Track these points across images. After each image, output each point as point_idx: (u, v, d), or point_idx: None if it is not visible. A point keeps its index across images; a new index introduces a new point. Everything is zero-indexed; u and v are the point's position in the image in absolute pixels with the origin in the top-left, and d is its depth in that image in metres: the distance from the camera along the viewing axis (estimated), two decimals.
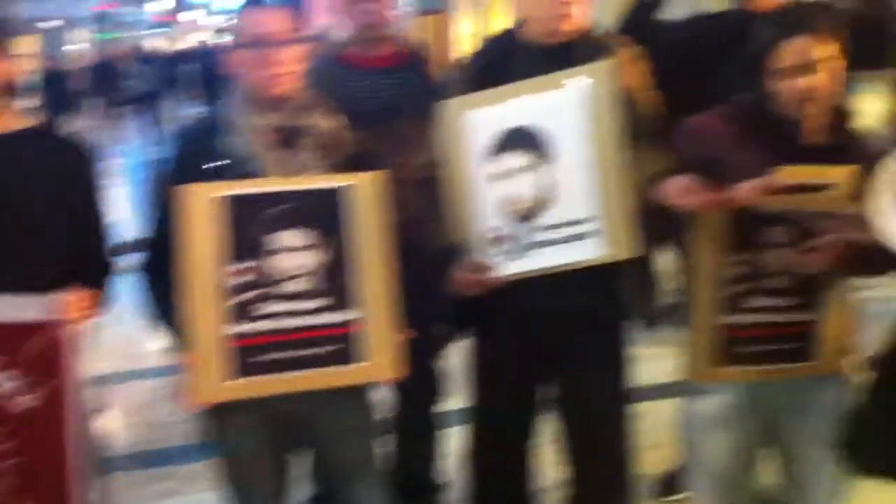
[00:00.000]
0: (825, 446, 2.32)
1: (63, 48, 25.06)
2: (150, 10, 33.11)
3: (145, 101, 16.92)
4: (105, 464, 2.55)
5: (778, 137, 2.26)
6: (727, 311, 2.31)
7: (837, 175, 2.17)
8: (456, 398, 3.17)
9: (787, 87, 2.24)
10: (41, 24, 23.28)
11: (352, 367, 2.26)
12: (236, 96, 2.32)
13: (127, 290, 2.46)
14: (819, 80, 2.21)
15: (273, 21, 2.27)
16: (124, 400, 4.53)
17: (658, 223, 2.37)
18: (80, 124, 14.77)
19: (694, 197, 2.19)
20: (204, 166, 2.24)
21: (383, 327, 2.26)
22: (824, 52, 2.21)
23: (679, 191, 2.22)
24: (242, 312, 2.18)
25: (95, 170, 2.49)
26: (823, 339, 2.32)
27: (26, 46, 16.34)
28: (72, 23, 28.24)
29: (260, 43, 2.26)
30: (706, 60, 2.97)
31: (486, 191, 2.51)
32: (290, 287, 2.21)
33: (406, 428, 3.18)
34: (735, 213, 2.23)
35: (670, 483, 3.32)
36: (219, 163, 2.24)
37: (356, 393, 2.37)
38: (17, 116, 2.47)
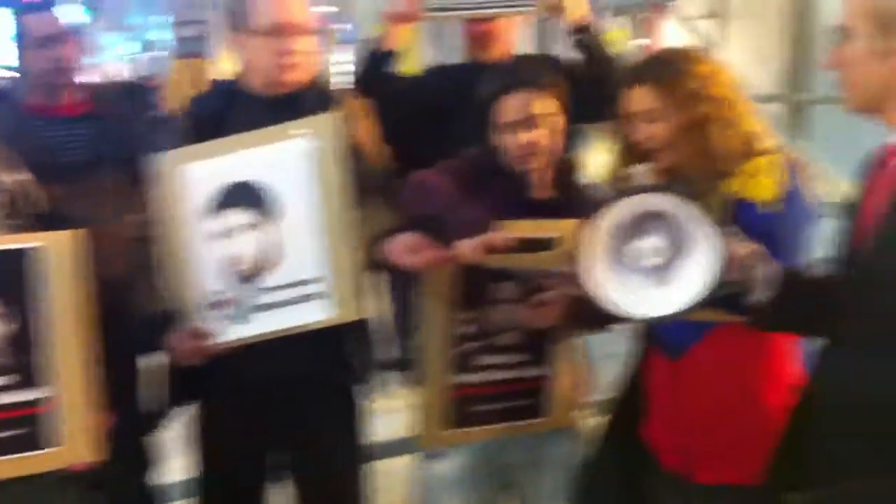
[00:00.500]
0: (562, 501, 2.30)
1: None
2: None
3: None
4: None
5: (505, 192, 2.24)
6: (457, 370, 2.25)
7: (562, 229, 2.17)
8: (178, 469, 2.95)
9: (510, 142, 2.23)
10: None
11: (43, 452, 2.01)
12: None
13: None
14: (540, 134, 2.21)
15: None
16: None
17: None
18: None
19: (418, 255, 2.11)
20: None
21: (79, 406, 2.03)
22: (544, 106, 2.22)
23: (403, 249, 2.14)
24: None
25: None
26: (554, 393, 2.30)
27: None
28: None
29: None
30: (438, 113, 2.95)
31: (206, 250, 2.35)
32: None
33: None
34: (462, 270, 2.18)
35: None
36: None
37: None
38: None
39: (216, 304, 2.33)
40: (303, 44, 2.40)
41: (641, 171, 2.08)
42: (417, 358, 2.27)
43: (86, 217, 2.17)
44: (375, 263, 2.22)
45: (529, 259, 2.12)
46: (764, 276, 1.76)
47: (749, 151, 2.09)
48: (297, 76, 2.42)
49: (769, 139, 2.15)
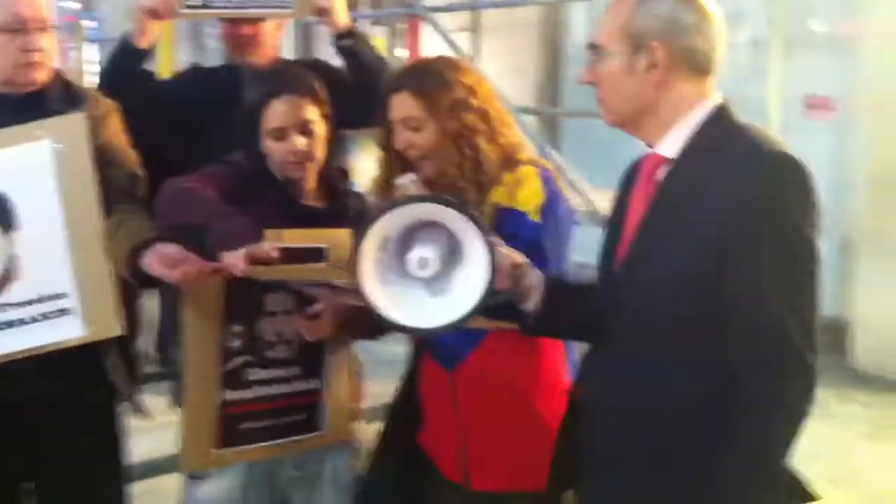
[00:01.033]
0: None
1: None
2: None
3: None
4: None
5: (272, 200, 2.15)
6: (225, 386, 2.12)
7: (331, 238, 2.11)
8: None
9: (277, 148, 2.14)
10: None
11: None
12: None
13: None
14: (305, 141, 2.14)
15: None
16: None
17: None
18: None
19: (178, 268, 1.97)
20: None
21: None
22: (309, 112, 2.15)
23: (162, 261, 1.99)
24: None
25: None
26: (330, 407, 2.22)
27: None
28: None
29: None
30: (194, 117, 2.79)
31: None
32: None
33: None
34: (228, 282, 2.05)
35: None
36: None
37: None
38: None
39: None
40: (44, 40, 2.24)
41: (407, 181, 2.05)
42: (182, 373, 2.12)
43: None
44: (134, 276, 2.05)
45: (299, 271, 2.03)
46: (531, 284, 1.78)
47: (510, 162, 2.11)
48: (38, 74, 2.26)
49: (527, 150, 2.18)
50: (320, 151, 2.19)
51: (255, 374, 2.14)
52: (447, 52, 5.53)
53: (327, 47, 6.82)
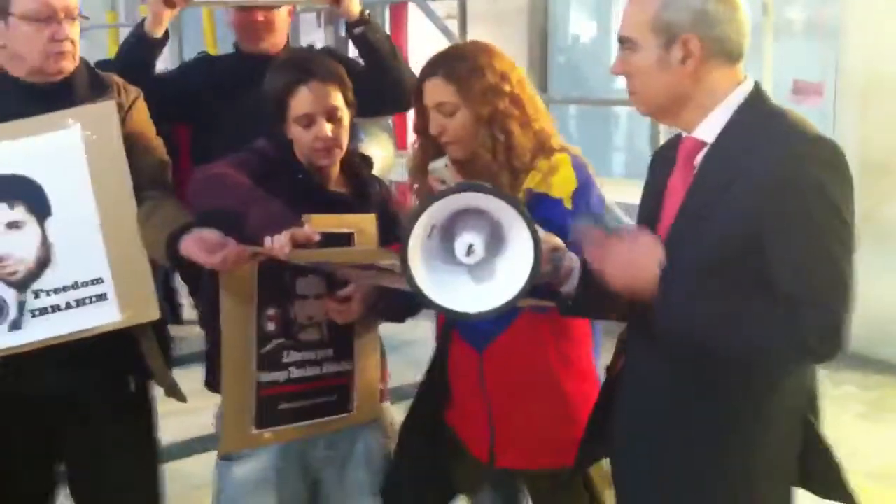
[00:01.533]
0: (370, 497, 2.27)
1: None
2: None
3: None
4: None
5: (299, 186, 2.17)
6: (261, 369, 2.15)
7: (357, 223, 2.15)
8: None
9: (304, 135, 2.16)
10: None
11: None
12: None
13: None
14: (332, 128, 2.16)
15: None
16: None
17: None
18: None
19: (217, 253, 1.99)
20: None
21: None
22: (336, 99, 2.17)
23: (200, 247, 2.01)
24: None
25: None
26: (359, 388, 2.25)
27: None
28: None
29: None
30: (207, 105, 2.81)
31: None
32: None
33: None
34: (263, 266, 2.08)
35: None
36: None
37: None
38: None
39: None
40: (72, 30, 2.24)
41: (440, 165, 2.08)
42: (220, 356, 2.14)
43: None
44: (172, 261, 2.07)
45: (346, 254, 2.06)
46: (570, 266, 1.82)
47: (543, 148, 2.15)
48: (67, 64, 2.26)
49: (556, 136, 2.21)
50: (346, 138, 2.21)
51: (290, 356, 2.17)
52: (435, 38, 5.55)
53: (311, 34, 6.80)
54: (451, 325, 2.24)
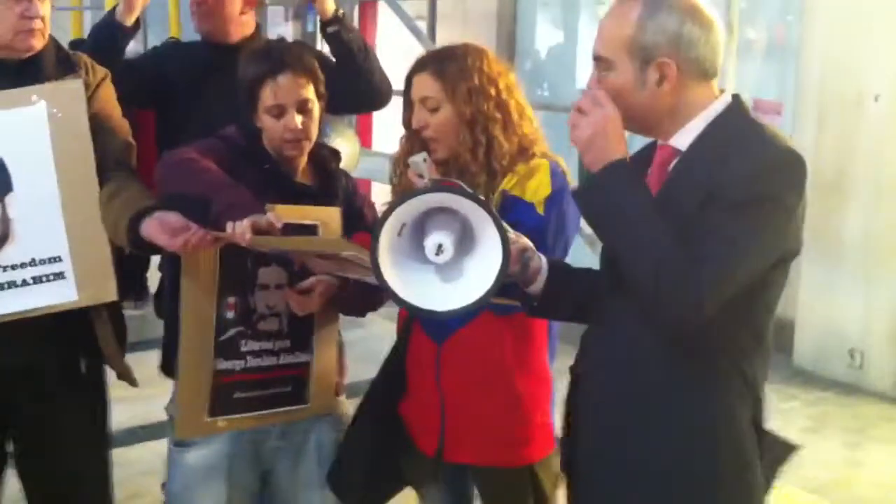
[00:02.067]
0: (320, 489, 2.27)
1: None
2: None
3: None
4: None
5: (267, 175, 2.17)
6: (218, 356, 2.14)
7: (322, 215, 2.16)
8: None
9: (271, 126, 2.16)
10: None
11: None
12: None
13: None
14: (302, 119, 2.16)
15: None
16: None
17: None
18: None
19: (179, 237, 1.98)
20: None
21: None
22: (308, 91, 2.17)
23: (162, 230, 2.00)
24: None
25: None
26: (317, 379, 2.25)
27: None
28: None
29: None
30: (174, 92, 2.79)
31: None
32: None
33: None
34: (225, 254, 2.07)
35: None
36: None
37: None
38: None
39: None
40: (43, 7, 2.23)
41: (419, 159, 2.09)
42: (176, 342, 2.13)
43: None
44: (133, 243, 2.06)
45: (308, 242, 2.05)
46: (537, 268, 1.85)
47: (524, 153, 2.17)
48: (37, 41, 2.25)
49: (543, 145, 2.23)
50: (315, 130, 2.21)
51: (248, 345, 2.16)
52: (405, 38, 5.55)
53: (278, 28, 6.76)
54: (414, 316, 2.25)
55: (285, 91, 2.14)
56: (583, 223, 1.89)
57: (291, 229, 2.03)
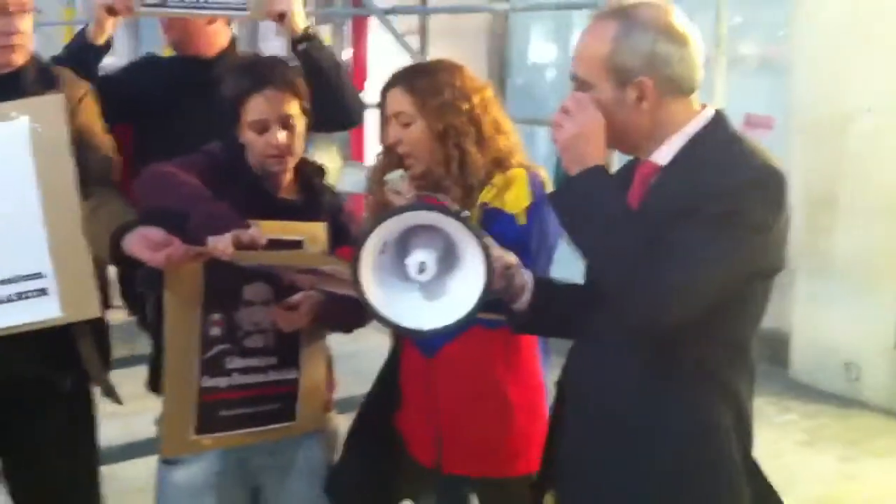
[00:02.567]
0: None
1: None
2: None
3: None
4: None
5: (250, 190, 2.16)
6: (203, 373, 2.11)
7: (307, 231, 2.14)
8: None
9: (255, 141, 2.15)
10: None
11: None
12: None
13: None
14: (286, 135, 2.15)
15: None
16: None
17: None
18: None
19: (161, 251, 1.96)
20: None
21: None
22: (291, 107, 2.16)
23: (144, 244, 1.98)
24: None
25: None
26: (304, 397, 2.22)
27: None
28: None
29: None
30: (149, 107, 2.77)
31: None
32: None
33: None
34: (210, 269, 2.05)
35: None
36: None
37: None
38: None
39: None
40: (24, 23, 2.22)
41: (396, 176, 2.09)
42: (163, 359, 2.11)
43: None
44: (115, 258, 2.03)
45: (288, 257, 2.03)
46: (521, 284, 1.83)
47: (500, 165, 2.16)
48: (18, 57, 2.24)
49: (521, 156, 2.22)
50: (299, 146, 2.20)
51: (233, 362, 2.14)
52: (396, 53, 5.55)
53: (269, 42, 6.74)
54: (398, 334, 2.23)
55: (268, 107, 2.13)
56: None
57: (277, 245, 2.02)
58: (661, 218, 1.62)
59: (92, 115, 2.35)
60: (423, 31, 7.28)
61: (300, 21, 2.71)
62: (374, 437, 2.29)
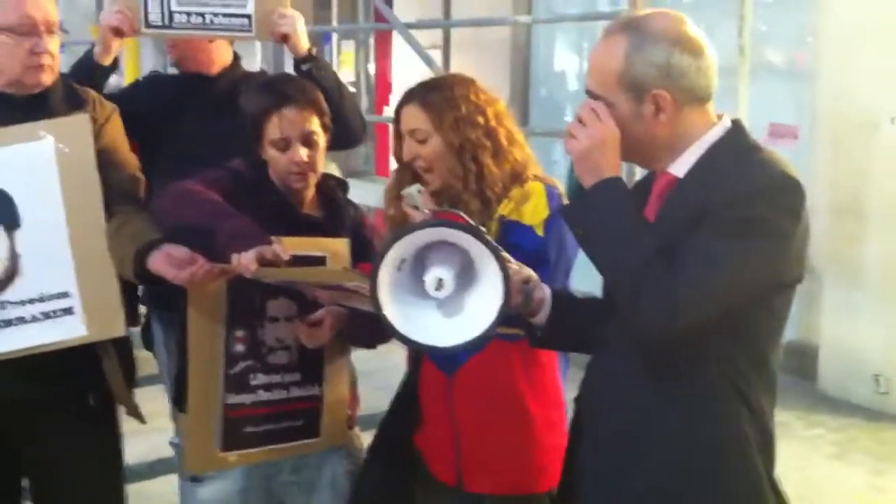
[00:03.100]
0: None
1: None
2: None
3: None
4: None
5: (273, 207, 2.17)
6: (227, 390, 2.12)
7: (330, 246, 2.14)
8: None
9: (277, 158, 2.16)
10: None
11: None
12: None
13: None
14: (308, 152, 2.16)
15: None
16: None
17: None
18: None
19: (185, 270, 1.97)
20: None
21: None
22: (313, 124, 2.17)
23: (170, 262, 1.99)
24: None
25: None
26: (328, 413, 2.23)
27: None
28: None
29: None
30: (153, 124, 2.80)
31: None
32: None
33: None
34: (233, 286, 2.06)
35: None
36: None
37: None
38: None
39: None
40: (52, 43, 2.24)
41: (413, 191, 2.08)
42: (186, 377, 2.12)
43: None
44: (139, 277, 2.04)
45: (312, 273, 2.04)
46: (540, 298, 1.82)
47: (517, 178, 2.17)
48: (46, 77, 2.26)
49: (536, 168, 2.22)
50: (321, 162, 2.21)
51: (258, 378, 2.15)
52: (419, 68, 5.56)
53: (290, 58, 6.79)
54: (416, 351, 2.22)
55: (290, 124, 2.14)
56: None
57: (300, 261, 2.02)
58: (676, 228, 1.62)
59: (118, 134, 2.38)
60: (446, 45, 7.29)
61: (303, 42, 2.74)
62: (393, 455, 2.29)
